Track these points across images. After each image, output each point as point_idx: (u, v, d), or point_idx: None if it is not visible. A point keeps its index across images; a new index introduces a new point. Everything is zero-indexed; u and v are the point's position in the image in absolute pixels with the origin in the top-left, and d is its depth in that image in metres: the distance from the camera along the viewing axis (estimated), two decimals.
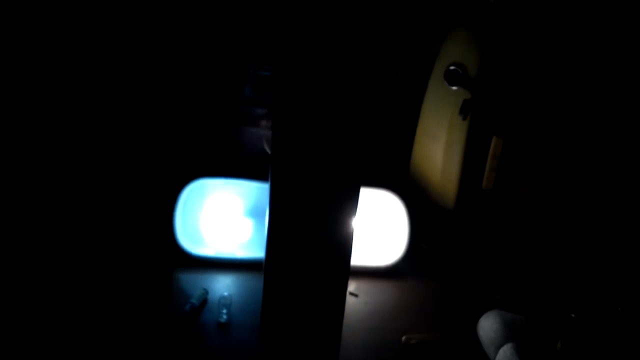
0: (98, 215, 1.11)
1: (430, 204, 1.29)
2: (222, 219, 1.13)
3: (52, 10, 1.08)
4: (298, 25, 0.69)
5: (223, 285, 1.08)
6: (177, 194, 1.10)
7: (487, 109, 1.20)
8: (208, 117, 1.30)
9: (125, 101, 1.18)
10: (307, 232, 0.75)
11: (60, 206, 1.09)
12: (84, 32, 1.12)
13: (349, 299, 1.05)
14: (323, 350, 0.81)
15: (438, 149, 1.25)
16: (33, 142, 1.10)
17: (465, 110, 1.19)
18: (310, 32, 0.69)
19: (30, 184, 1.09)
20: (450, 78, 1.21)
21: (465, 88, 1.19)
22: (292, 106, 0.70)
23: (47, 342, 0.88)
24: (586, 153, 1.20)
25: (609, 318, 0.99)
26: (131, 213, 1.13)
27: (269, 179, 0.76)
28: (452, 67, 1.20)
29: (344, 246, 0.76)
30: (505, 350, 0.90)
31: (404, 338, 0.99)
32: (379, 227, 1.17)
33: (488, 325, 0.97)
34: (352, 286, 1.12)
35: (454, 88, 1.21)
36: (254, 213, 1.14)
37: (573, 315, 0.97)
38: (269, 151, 1.22)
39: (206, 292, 1.03)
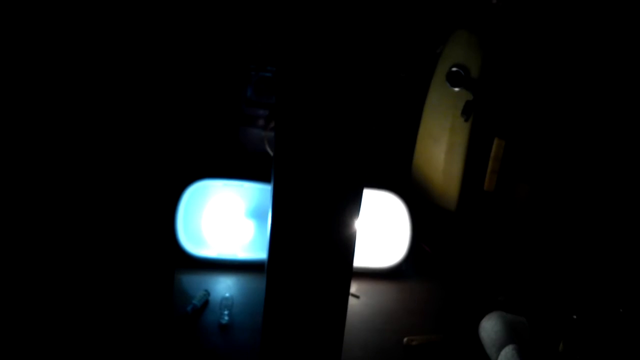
0: (100, 217, 1.11)
1: (432, 205, 1.29)
2: (223, 220, 1.13)
3: (53, 10, 1.08)
4: (301, 26, 0.69)
5: (224, 286, 1.08)
6: (179, 195, 1.10)
7: (489, 111, 1.20)
8: (210, 118, 1.30)
9: (127, 102, 1.18)
10: (310, 233, 0.75)
11: (62, 207, 1.09)
12: (86, 33, 1.12)
13: (350, 301, 1.05)
14: (325, 351, 0.81)
15: (440, 151, 1.25)
16: (34, 143, 1.10)
17: (467, 111, 1.19)
18: (313, 33, 0.69)
19: (31, 185, 1.09)
20: (453, 79, 1.21)
21: (468, 89, 1.19)
22: (295, 108, 0.70)
23: (48, 342, 0.88)
24: (588, 155, 1.20)
25: (611, 319, 0.99)
26: (133, 214, 1.13)
27: (272, 180, 0.76)
28: (454, 69, 1.20)
29: (347, 248, 0.76)
30: (507, 352, 0.90)
31: (405, 340, 0.98)
32: (380, 229, 1.17)
33: (490, 327, 0.97)
34: (353, 288, 1.12)
35: (456, 89, 1.21)
36: (256, 214, 1.14)
37: (575, 317, 0.97)
38: (270, 152, 1.22)
39: (208, 293, 1.03)
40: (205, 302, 1.02)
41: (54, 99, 1.11)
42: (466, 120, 1.20)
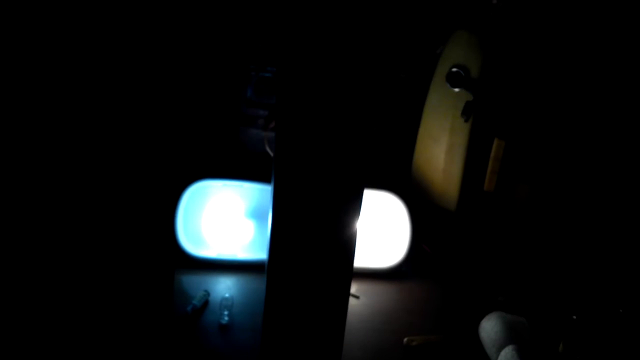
0: (100, 217, 1.11)
1: (432, 205, 1.29)
2: (223, 220, 1.13)
3: (54, 10, 1.08)
4: (302, 27, 0.69)
5: (224, 286, 1.08)
6: (178, 195, 1.10)
7: (489, 111, 1.20)
8: (210, 118, 1.30)
9: (127, 103, 1.18)
10: (310, 233, 0.74)
11: (62, 207, 1.09)
12: (86, 34, 1.12)
13: (350, 301, 1.05)
14: (325, 352, 0.81)
15: (440, 151, 1.25)
16: (34, 144, 1.10)
17: (467, 112, 1.19)
18: (314, 34, 0.69)
19: (32, 186, 1.09)
20: (453, 80, 1.21)
21: (468, 90, 1.19)
22: (296, 108, 0.70)
23: (48, 342, 0.88)
24: (588, 155, 1.20)
25: (611, 320, 0.99)
26: (133, 214, 1.13)
27: (272, 181, 0.76)
28: (454, 69, 1.20)
29: (348, 248, 0.76)
30: (507, 352, 0.90)
31: (405, 340, 0.98)
32: (380, 229, 1.17)
33: (490, 327, 0.97)
34: (353, 288, 1.12)
35: (456, 90, 1.21)
36: (256, 214, 1.14)
37: (575, 317, 0.97)
38: (270, 152, 1.22)
39: (207, 293, 1.03)
40: (205, 303, 1.02)
41: (54, 100, 1.11)
42: (466, 121, 1.20)
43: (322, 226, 0.74)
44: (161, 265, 1.08)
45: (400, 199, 1.18)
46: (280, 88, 0.71)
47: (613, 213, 1.20)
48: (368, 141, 0.73)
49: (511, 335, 0.94)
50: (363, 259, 1.14)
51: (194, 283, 1.07)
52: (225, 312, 0.99)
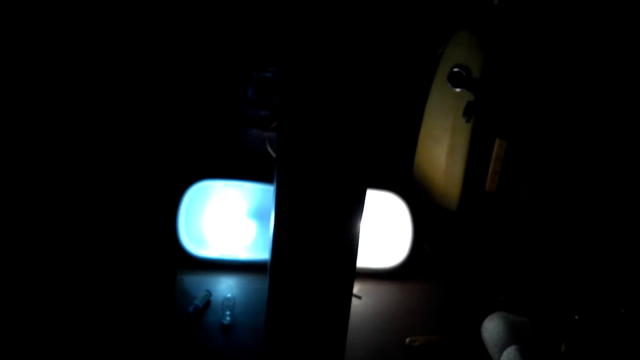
0: (101, 217, 1.11)
1: (434, 205, 1.29)
2: (225, 220, 1.13)
3: (55, 10, 1.08)
4: (304, 27, 0.69)
5: (226, 287, 1.08)
6: (180, 195, 1.10)
7: (490, 111, 1.20)
8: (211, 118, 1.30)
9: (128, 103, 1.18)
10: (313, 234, 0.74)
11: (64, 207, 1.09)
12: (88, 34, 1.12)
13: (352, 301, 1.05)
14: (328, 352, 0.81)
15: (441, 151, 1.25)
16: (36, 145, 1.10)
17: (468, 112, 1.19)
18: (315, 34, 0.69)
19: (34, 187, 1.08)
20: (454, 80, 1.21)
21: (469, 90, 1.19)
22: (298, 108, 0.70)
23: (49, 342, 0.87)
24: (589, 155, 1.20)
25: (613, 320, 0.99)
26: (134, 215, 1.13)
27: (274, 181, 0.76)
28: (455, 69, 1.20)
29: (350, 248, 0.76)
30: (509, 353, 0.90)
31: (407, 340, 0.98)
32: (382, 229, 1.17)
33: (492, 328, 0.97)
34: (355, 288, 1.12)
35: (458, 90, 1.21)
36: (257, 215, 1.14)
37: (577, 318, 0.97)
38: (272, 152, 1.22)
39: (209, 293, 1.03)
40: (207, 303, 1.02)
41: (55, 101, 1.11)
42: (467, 121, 1.20)
43: (324, 226, 0.74)
44: (163, 266, 1.08)
45: (401, 199, 1.18)
46: (282, 88, 0.71)
47: (615, 213, 1.20)
48: (370, 141, 0.73)
49: (513, 336, 0.94)
50: (365, 259, 1.14)
51: (196, 283, 1.07)
52: (227, 313, 0.99)
